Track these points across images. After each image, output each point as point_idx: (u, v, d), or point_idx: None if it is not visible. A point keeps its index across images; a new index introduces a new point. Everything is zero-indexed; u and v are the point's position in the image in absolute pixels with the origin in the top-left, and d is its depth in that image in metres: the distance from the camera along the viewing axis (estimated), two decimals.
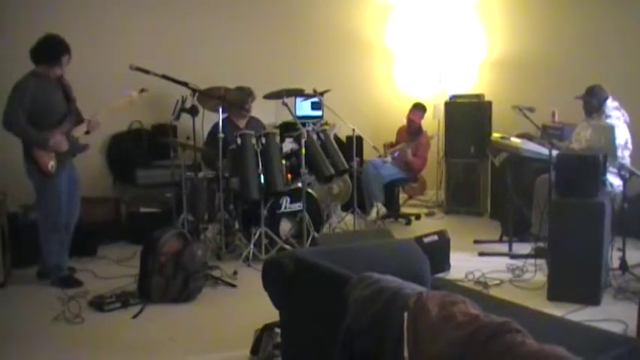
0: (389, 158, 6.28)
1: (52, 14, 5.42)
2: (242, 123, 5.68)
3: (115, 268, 4.75)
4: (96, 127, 4.42)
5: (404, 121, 6.59)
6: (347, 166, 5.45)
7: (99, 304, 3.84)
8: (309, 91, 5.62)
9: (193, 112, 4.82)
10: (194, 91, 4.74)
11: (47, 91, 4.18)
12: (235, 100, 5.25)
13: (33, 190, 4.31)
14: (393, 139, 6.71)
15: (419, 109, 6.57)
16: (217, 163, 4.93)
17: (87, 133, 4.40)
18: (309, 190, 5.22)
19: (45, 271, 4.42)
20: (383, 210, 6.02)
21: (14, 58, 4.62)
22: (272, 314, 2.59)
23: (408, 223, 6.37)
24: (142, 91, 4.52)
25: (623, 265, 4.23)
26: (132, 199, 5.73)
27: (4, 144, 4.44)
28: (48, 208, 4.27)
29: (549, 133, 5.26)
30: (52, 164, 4.15)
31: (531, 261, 4.57)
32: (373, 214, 5.93)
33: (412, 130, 6.49)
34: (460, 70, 7.61)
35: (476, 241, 5.42)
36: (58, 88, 4.27)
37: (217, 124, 5.03)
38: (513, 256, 4.89)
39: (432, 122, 7.22)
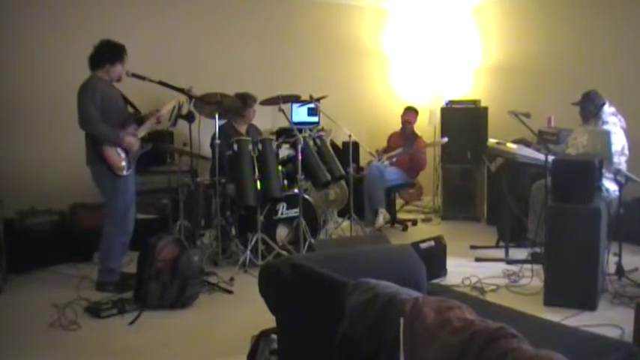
0: (387, 163, 6.27)
1: (52, 22, 5.46)
2: (243, 128, 5.70)
3: None
4: (162, 120, 4.60)
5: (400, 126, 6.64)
6: (343, 172, 5.45)
7: (95, 310, 3.83)
8: (305, 97, 5.62)
9: (190, 118, 4.83)
10: (190, 97, 4.74)
11: (111, 93, 4.29)
12: (231, 107, 5.25)
13: (38, 198, 4.31)
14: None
15: (412, 110, 6.68)
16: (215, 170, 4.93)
17: (157, 123, 4.57)
18: (306, 196, 5.23)
19: (101, 269, 4.39)
20: (387, 216, 6.01)
21: (15, 64, 4.63)
22: (269, 320, 2.58)
23: (405, 228, 6.37)
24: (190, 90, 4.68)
25: (620, 270, 4.24)
26: None
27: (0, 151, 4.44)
28: (119, 209, 4.31)
29: (545, 139, 5.26)
30: (123, 164, 4.23)
31: (528, 266, 4.58)
32: (381, 220, 5.86)
33: (407, 132, 6.55)
34: (456, 75, 7.64)
35: (472, 247, 5.43)
36: (118, 91, 4.37)
37: (219, 128, 5.05)
38: (510, 262, 4.90)
39: (428, 128, 7.25)
